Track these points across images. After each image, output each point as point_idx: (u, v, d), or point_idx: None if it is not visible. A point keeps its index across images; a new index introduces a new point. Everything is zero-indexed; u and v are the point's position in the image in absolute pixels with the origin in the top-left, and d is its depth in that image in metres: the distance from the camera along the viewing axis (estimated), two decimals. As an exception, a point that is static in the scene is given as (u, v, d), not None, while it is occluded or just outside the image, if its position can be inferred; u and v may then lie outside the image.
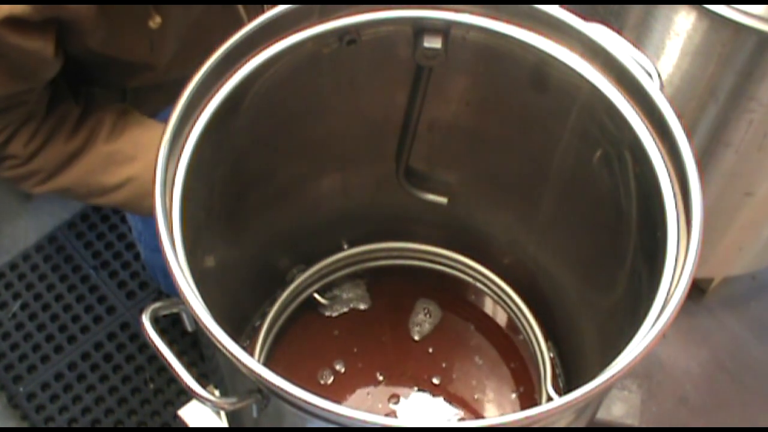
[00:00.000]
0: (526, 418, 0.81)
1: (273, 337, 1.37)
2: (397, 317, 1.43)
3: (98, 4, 1.06)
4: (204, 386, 0.88)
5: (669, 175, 0.96)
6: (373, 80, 1.15)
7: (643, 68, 0.99)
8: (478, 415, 1.35)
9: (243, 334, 1.38)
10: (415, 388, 1.37)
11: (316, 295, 1.42)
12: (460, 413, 1.36)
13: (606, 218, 1.14)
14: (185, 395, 1.67)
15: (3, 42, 1.02)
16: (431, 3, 1.04)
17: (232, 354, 0.83)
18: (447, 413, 1.36)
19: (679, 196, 0.95)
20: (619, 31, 1.01)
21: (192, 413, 1.33)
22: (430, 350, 1.40)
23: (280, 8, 1.01)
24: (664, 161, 0.97)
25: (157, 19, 1.13)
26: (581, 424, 1.01)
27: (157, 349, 0.90)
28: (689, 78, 1.26)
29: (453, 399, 1.36)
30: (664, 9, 1.22)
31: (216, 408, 1.02)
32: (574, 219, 1.23)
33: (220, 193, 1.12)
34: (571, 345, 1.36)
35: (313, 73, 1.09)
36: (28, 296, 1.84)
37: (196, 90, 0.97)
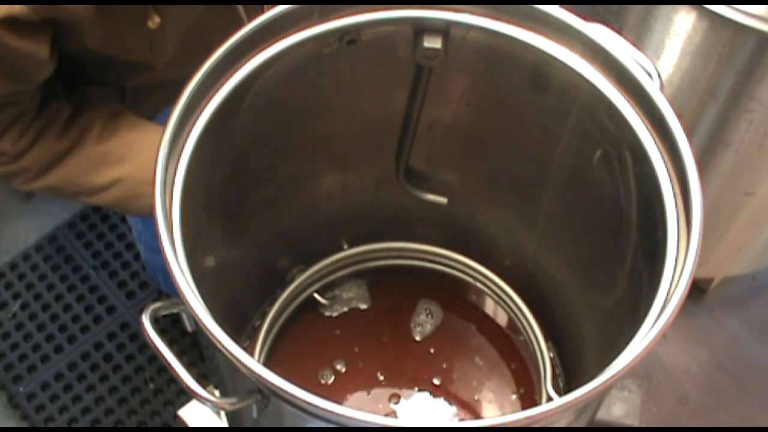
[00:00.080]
0: (526, 418, 0.81)
1: (273, 337, 1.37)
2: (398, 317, 1.43)
3: (97, 4, 1.06)
4: (204, 386, 0.88)
5: (669, 175, 0.96)
6: (373, 80, 1.15)
7: (643, 68, 0.99)
8: (478, 416, 1.35)
9: (243, 334, 1.38)
10: (416, 389, 1.37)
11: (316, 295, 1.42)
12: (461, 414, 1.36)
13: (606, 218, 1.14)
14: (185, 395, 1.67)
15: (0, 43, 1.02)
16: (431, 3, 1.04)
17: (232, 354, 0.83)
18: (447, 413, 1.36)
19: (679, 196, 0.95)
20: (619, 31, 1.01)
21: (192, 413, 1.33)
22: (431, 351, 1.40)
23: (280, 8, 1.01)
24: (664, 161, 0.97)
25: (156, 19, 1.13)
26: (581, 424, 1.01)
27: (157, 349, 0.90)
28: (689, 78, 1.26)
29: (453, 399, 1.36)
30: (664, 9, 1.22)
31: (216, 408, 1.02)
32: (574, 219, 1.23)
33: (220, 193, 1.12)
34: (571, 345, 1.36)
35: (313, 73, 1.09)
36: (28, 296, 1.84)
37: (196, 90, 0.97)
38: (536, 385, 1.37)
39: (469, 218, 1.39)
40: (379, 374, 1.38)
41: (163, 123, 0.95)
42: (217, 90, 0.99)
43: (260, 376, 0.81)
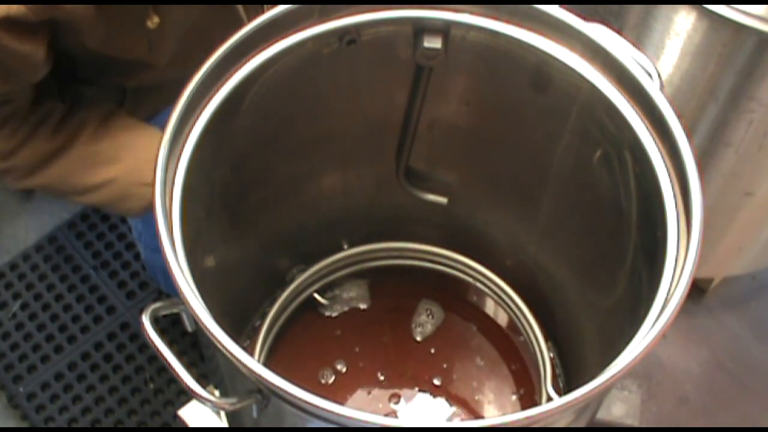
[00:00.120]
0: (526, 418, 0.81)
1: (273, 337, 1.37)
2: (399, 317, 1.43)
3: (96, 4, 1.06)
4: (204, 386, 0.88)
5: (669, 175, 0.96)
6: (373, 80, 1.15)
7: (643, 68, 0.99)
8: (479, 416, 1.35)
9: (243, 334, 1.38)
10: (416, 389, 1.37)
11: (316, 295, 1.42)
12: (461, 414, 1.36)
13: (606, 218, 1.14)
14: (185, 395, 1.67)
15: None
16: (431, 3, 1.04)
17: (232, 354, 0.83)
18: (447, 414, 1.36)
19: (679, 196, 0.95)
20: (619, 31, 1.01)
21: (192, 413, 1.33)
22: (432, 351, 1.40)
23: (280, 8, 1.01)
24: (664, 161, 0.97)
25: (155, 20, 1.13)
26: (581, 424, 1.01)
27: (157, 349, 0.90)
28: (689, 78, 1.26)
29: (453, 400, 1.36)
30: (664, 9, 1.22)
31: (216, 408, 1.02)
32: (574, 219, 1.23)
33: (220, 193, 1.12)
34: (571, 345, 1.36)
35: (313, 73, 1.09)
36: (28, 296, 1.84)
37: (196, 90, 0.97)
38: (536, 386, 1.37)
39: (469, 218, 1.39)
40: (379, 374, 1.38)
41: (163, 123, 0.95)
42: (217, 90, 0.99)
43: (260, 376, 0.81)
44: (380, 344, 1.41)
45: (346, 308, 1.44)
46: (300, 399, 0.80)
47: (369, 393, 1.37)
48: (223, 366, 0.98)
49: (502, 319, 1.45)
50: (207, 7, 1.28)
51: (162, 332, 0.92)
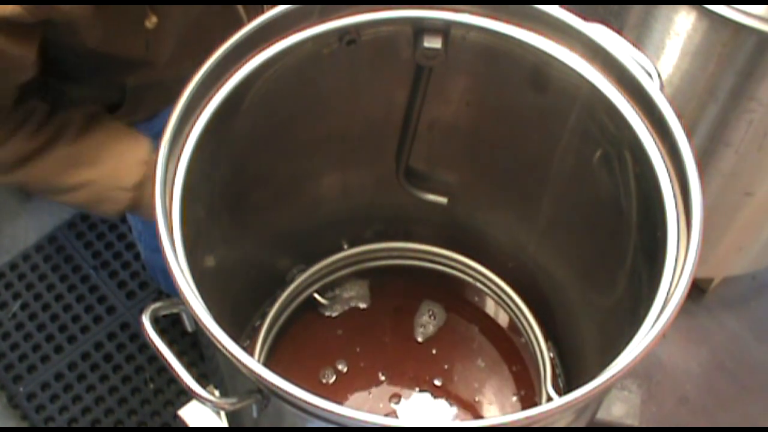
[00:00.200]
0: (526, 418, 0.81)
1: (273, 337, 1.37)
2: (400, 318, 1.43)
3: (93, 4, 1.06)
4: (204, 386, 0.88)
5: (669, 175, 0.96)
6: (373, 80, 1.15)
7: (643, 68, 0.99)
8: (479, 417, 1.35)
9: (243, 334, 1.38)
10: (417, 389, 1.37)
11: (316, 295, 1.42)
12: (461, 414, 1.36)
13: (606, 218, 1.14)
14: (185, 395, 1.67)
15: None
16: (431, 3, 1.04)
17: (232, 354, 0.83)
18: (448, 414, 1.36)
19: (679, 196, 0.95)
20: (619, 31, 1.01)
21: (192, 413, 1.33)
22: (433, 351, 1.40)
23: (280, 8, 1.01)
24: (664, 161, 0.97)
25: (154, 19, 1.13)
26: (581, 424, 1.01)
27: (157, 349, 0.90)
28: (689, 78, 1.26)
29: (454, 400, 1.36)
30: (664, 9, 1.22)
31: (216, 408, 1.02)
32: (574, 219, 1.23)
33: (220, 193, 1.12)
34: (571, 345, 1.36)
35: (313, 73, 1.09)
36: (28, 296, 1.84)
37: (196, 90, 0.97)
38: (537, 388, 1.37)
39: (469, 218, 1.39)
40: (380, 374, 1.38)
41: (163, 123, 0.95)
42: (217, 90, 0.99)
43: (260, 376, 0.81)
44: (381, 344, 1.41)
45: (346, 308, 1.44)
46: (300, 399, 0.80)
47: (369, 393, 1.37)
48: (223, 366, 0.98)
49: (504, 320, 1.45)
50: (206, 7, 1.28)
51: (162, 332, 0.92)
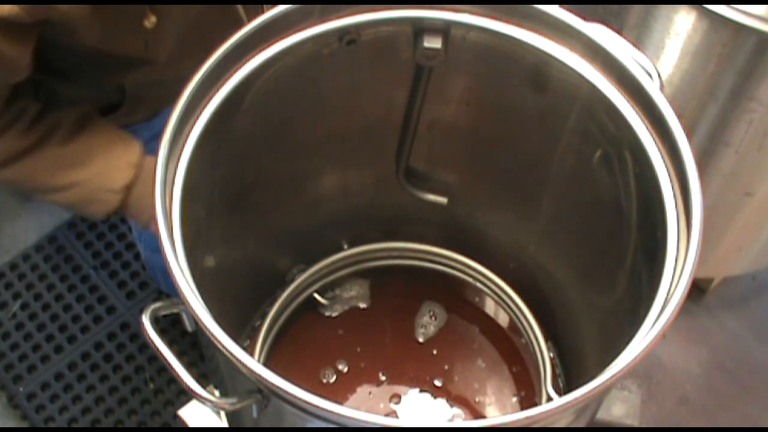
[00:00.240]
0: (526, 418, 0.81)
1: (273, 337, 1.37)
2: (401, 318, 1.43)
3: (91, 4, 1.05)
4: (204, 386, 0.88)
5: (669, 175, 0.96)
6: (373, 80, 1.15)
7: (643, 68, 0.99)
8: (479, 417, 1.35)
9: (243, 334, 1.38)
10: (417, 389, 1.37)
11: (316, 295, 1.42)
12: (461, 415, 1.36)
13: (606, 218, 1.14)
14: (185, 395, 1.67)
15: None
16: (431, 3, 1.04)
17: (232, 354, 0.83)
18: (448, 415, 1.36)
19: (679, 196, 0.95)
20: (619, 31, 1.01)
21: (192, 413, 1.33)
22: (434, 352, 1.40)
23: (280, 8, 1.01)
24: (664, 161, 0.97)
25: (153, 19, 1.13)
26: (581, 424, 1.01)
27: (157, 349, 0.90)
28: (689, 78, 1.26)
29: (454, 401, 1.36)
30: (664, 9, 1.22)
31: (216, 408, 1.02)
32: (574, 219, 1.23)
33: (220, 192, 1.12)
34: (571, 345, 1.36)
35: (313, 73, 1.09)
36: (28, 296, 1.84)
37: (196, 90, 0.97)
38: (537, 389, 1.37)
39: (469, 218, 1.39)
40: (380, 374, 1.38)
41: (163, 123, 0.95)
42: (217, 90, 0.99)
43: (260, 376, 0.81)
44: (381, 344, 1.41)
45: (346, 307, 1.44)
46: (300, 399, 0.80)
47: (370, 393, 1.37)
48: (223, 366, 0.98)
49: (504, 320, 1.45)
50: (206, 7, 1.28)
51: (162, 332, 0.92)
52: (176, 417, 1.37)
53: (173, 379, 1.71)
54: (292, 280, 1.39)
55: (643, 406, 1.62)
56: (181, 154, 0.96)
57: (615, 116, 1.01)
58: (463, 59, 1.10)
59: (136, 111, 1.37)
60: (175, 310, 0.96)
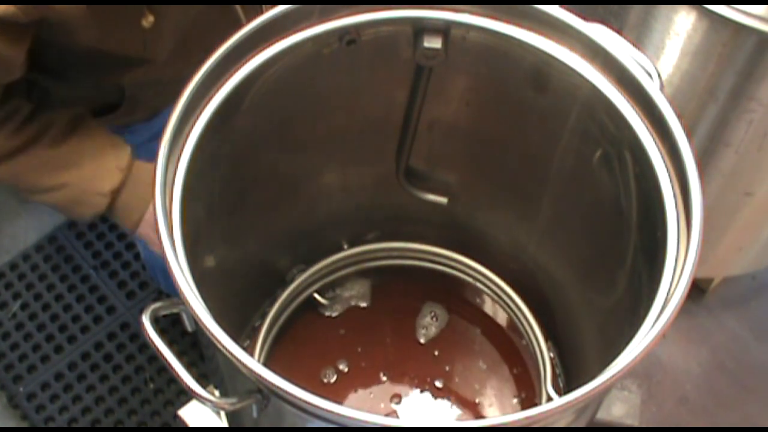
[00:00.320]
0: (526, 418, 0.81)
1: (273, 337, 1.37)
2: (402, 318, 1.43)
3: (89, 4, 1.05)
4: (204, 386, 0.88)
5: (669, 175, 0.96)
6: (373, 80, 1.15)
7: (643, 68, 0.99)
8: (479, 418, 1.35)
9: (243, 334, 1.38)
10: (418, 390, 1.37)
11: (316, 295, 1.42)
12: (462, 415, 1.36)
13: (606, 218, 1.14)
14: (185, 395, 1.67)
15: None
16: (431, 3, 1.04)
17: (232, 354, 0.83)
18: (448, 415, 1.36)
19: (679, 196, 0.95)
20: (619, 31, 1.01)
21: (192, 413, 1.33)
22: (435, 353, 1.40)
23: (280, 8, 1.01)
24: (664, 161, 0.97)
25: (150, 18, 1.13)
26: (581, 424, 1.01)
27: (157, 349, 0.90)
28: (689, 78, 1.26)
29: (455, 401, 1.36)
30: (664, 9, 1.22)
31: (216, 408, 1.02)
32: (574, 219, 1.23)
33: (220, 192, 1.12)
34: (571, 345, 1.36)
35: (313, 73, 1.09)
36: (28, 296, 1.84)
37: (196, 90, 0.97)
38: (538, 391, 1.37)
39: (469, 218, 1.39)
40: (381, 374, 1.38)
41: (163, 123, 0.95)
42: (217, 90, 0.99)
43: (260, 376, 0.81)
44: (382, 344, 1.41)
45: (346, 307, 1.44)
46: (300, 399, 0.80)
47: (371, 393, 1.37)
48: (223, 366, 0.98)
49: (505, 322, 1.45)
50: (204, 7, 1.27)
51: (162, 332, 0.92)
52: (176, 417, 1.37)
53: (173, 379, 1.71)
54: (292, 280, 1.39)
55: (643, 406, 1.62)
56: (181, 154, 0.96)
57: (615, 116, 1.01)
58: (463, 59, 1.10)
59: (135, 111, 1.37)
60: (175, 310, 0.96)
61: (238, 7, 1.30)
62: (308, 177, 1.29)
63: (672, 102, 0.97)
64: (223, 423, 1.31)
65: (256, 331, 1.37)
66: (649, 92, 0.98)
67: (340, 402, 0.81)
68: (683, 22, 1.20)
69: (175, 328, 1.78)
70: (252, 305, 1.40)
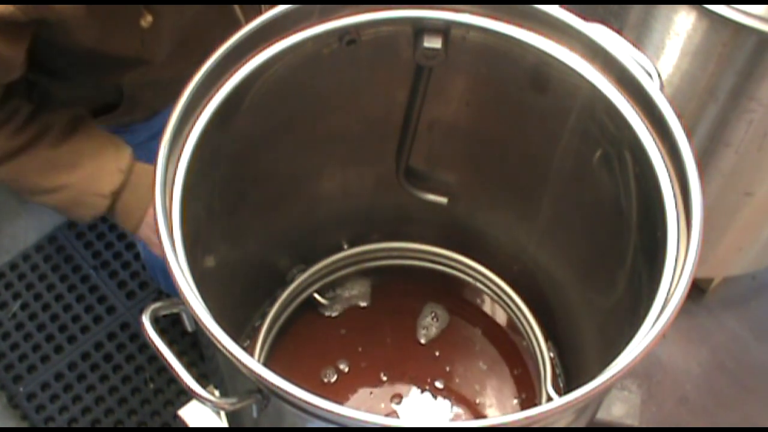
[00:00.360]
0: (526, 418, 0.81)
1: (273, 337, 1.37)
2: (402, 319, 1.43)
3: (87, 3, 1.05)
4: (204, 386, 0.88)
5: (669, 175, 0.96)
6: (373, 80, 1.15)
7: (643, 68, 0.99)
8: (479, 418, 1.35)
9: (243, 334, 1.38)
10: (418, 390, 1.37)
11: (316, 295, 1.42)
12: (462, 416, 1.36)
13: (606, 218, 1.14)
14: (185, 395, 1.67)
15: None
16: (431, 3, 1.04)
17: (232, 354, 0.83)
18: (448, 415, 1.36)
19: (679, 196, 0.95)
20: (619, 31, 1.01)
21: (192, 413, 1.33)
22: (436, 353, 1.40)
23: (280, 8, 1.01)
24: (664, 161, 0.97)
25: (149, 18, 1.13)
26: (581, 424, 1.01)
27: (157, 349, 0.90)
28: (689, 78, 1.26)
29: (455, 402, 1.36)
30: (664, 9, 1.22)
31: (216, 408, 1.02)
32: (574, 219, 1.23)
33: (220, 192, 1.12)
34: (571, 345, 1.36)
35: (313, 73, 1.09)
36: (28, 296, 1.84)
37: (196, 90, 0.97)
38: (538, 391, 1.37)
39: (469, 218, 1.39)
40: (382, 374, 1.38)
41: (163, 123, 0.95)
42: (217, 90, 0.99)
43: (260, 376, 0.81)
44: (383, 344, 1.41)
45: (346, 307, 1.44)
46: (300, 399, 0.80)
47: (371, 393, 1.37)
48: (223, 366, 0.98)
49: (505, 322, 1.45)
50: (203, 7, 1.27)
51: (162, 332, 0.92)
52: (176, 417, 1.37)
53: (173, 379, 1.71)
54: (292, 280, 1.39)
55: (643, 406, 1.62)
56: (181, 154, 0.96)
57: (615, 116, 1.01)
58: (463, 59, 1.10)
59: (134, 111, 1.37)
60: (175, 310, 0.96)
61: (236, 7, 1.30)
62: (308, 177, 1.29)
63: (672, 102, 0.97)
64: (223, 423, 1.31)
65: (256, 331, 1.37)
66: (649, 92, 0.98)
67: (340, 402, 0.80)
68: (683, 22, 1.21)
69: (175, 328, 1.78)
70: (252, 305, 1.40)
